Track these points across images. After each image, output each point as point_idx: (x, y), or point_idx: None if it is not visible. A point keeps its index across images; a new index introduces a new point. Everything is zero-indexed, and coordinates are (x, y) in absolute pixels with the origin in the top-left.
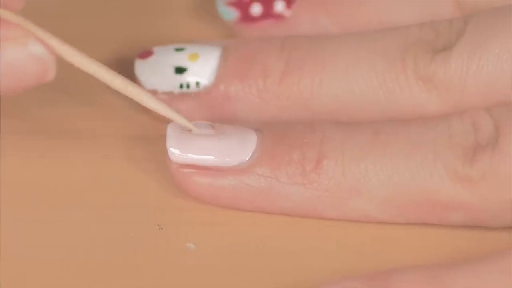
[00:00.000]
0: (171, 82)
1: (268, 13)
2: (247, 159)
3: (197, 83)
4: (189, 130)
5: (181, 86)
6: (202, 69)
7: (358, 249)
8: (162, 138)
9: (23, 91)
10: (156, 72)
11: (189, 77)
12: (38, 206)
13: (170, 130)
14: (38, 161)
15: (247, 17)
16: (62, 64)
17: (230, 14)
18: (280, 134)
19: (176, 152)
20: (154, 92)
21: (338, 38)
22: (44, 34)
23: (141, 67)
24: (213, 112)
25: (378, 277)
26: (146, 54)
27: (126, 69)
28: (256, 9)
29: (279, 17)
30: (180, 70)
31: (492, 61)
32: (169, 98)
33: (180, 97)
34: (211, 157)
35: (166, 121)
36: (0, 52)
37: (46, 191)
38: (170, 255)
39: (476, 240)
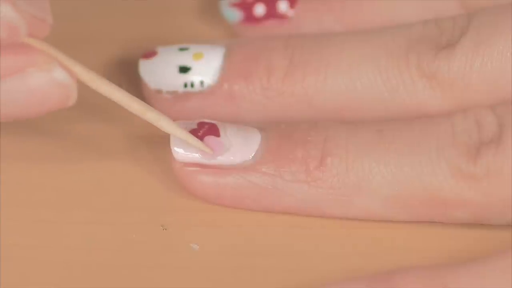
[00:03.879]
0: (176, 82)
1: (271, 13)
2: (251, 157)
3: (201, 82)
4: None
5: (185, 85)
6: (206, 68)
7: (361, 249)
8: (166, 138)
9: (45, 114)
10: (160, 71)
11: (193, 76)
12: (41, 208)
13: None
14: (42, 162)
15: (250, 18)
16: None
17: (234, 15)
18: (284, 132)
19: (180, 151)
20: (158, 92)
21: (341, 36)
22: (68, 60)
23: (146, 67)
24: (217, 111)
25: (381, 278)
26: (150, 54)
27: (130, 69)
28: (259, 9)
29: (282, 17)
30: (184, 70)
31: (496, 58)
32: (174, 97)
33: (185, 96)
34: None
35: None
36: (26, 78)
37: (49, 192)
38: (174, 256)
39: (478, 240)
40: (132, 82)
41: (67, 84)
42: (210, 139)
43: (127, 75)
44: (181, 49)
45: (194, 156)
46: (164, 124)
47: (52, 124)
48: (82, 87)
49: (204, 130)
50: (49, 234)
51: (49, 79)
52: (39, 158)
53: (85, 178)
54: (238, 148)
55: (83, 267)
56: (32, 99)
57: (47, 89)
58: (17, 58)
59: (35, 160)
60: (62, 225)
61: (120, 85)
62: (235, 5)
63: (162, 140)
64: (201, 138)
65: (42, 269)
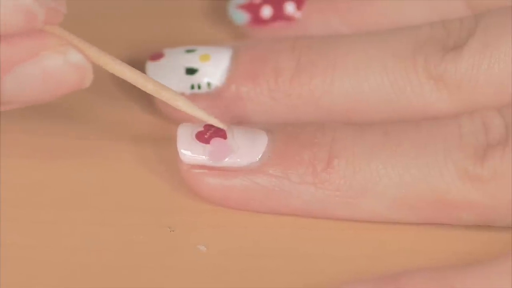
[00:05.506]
0: (183, 83)
1: (278, 15)
2: (257, 159)
3: (208, 84)
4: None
5: (192, 87)
6: (213, 70)
7: (368, 251)
8: (172, 139)
9: (61, 96)
10: (167, 73)
11: (200, 78)
12: (46, 208)
13: (180, 132)
14: (47, 163)
15: (257, 20)
16: None
17: (241, 17)
18: (291, 134)
19: (187, 153)
20: None
21: (349, 38)
22: (82, 43)
23: (153, 69)
24: (224, 112)
25: (388, 279)
26: (157, 56)
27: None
28: (266, 11)
29: (289, 19)
30: (191, 71)
31: (503, 60)
32: None
33: (192, 98)
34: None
35: (176, 122)
36: (41, 62)
37: (56, 193)
38: (181, 257)
39: (485, 242)
40: None
41: (82, 65)
42: (217, 141)
43: None
44: (188, 51)
45: (201, 158)
46: (180, 103)
47: (57, 125)
48: (90, 86)
49: (211, 132)
50: (53, 234)
51: (64, 61)
52: (45, 158)
53: (91, 179)
54: (245, 150)
55: (90, 268)
56: (48, 82)
57: (63, 71)
58: (33, 42)
59: (43, 161)
60: (66, 226)
61: (128, 86)
62: (242, 7)
63: (168, 142)
64: (208, 140)
65: (46, 269)
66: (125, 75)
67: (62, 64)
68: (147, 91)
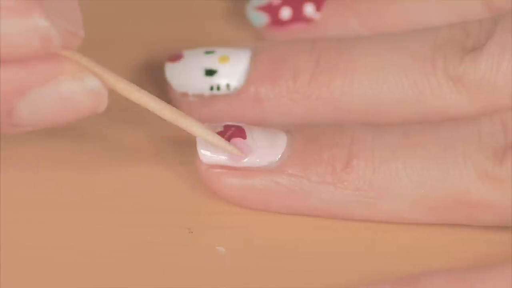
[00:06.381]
0: (202, 85)
1: (297, 16)
2: (277, 159)
3: (227, 85)
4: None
5: (212, 88)
6: (232, 71)
7: (387, 252)
8: (191, 140)
9: (75, 121)
10: (186, 75)
11: (219, 79)
12: (65, 210)
13: None
14: (65, 163)
15: (276, 22)
16: None
17: (260, 19)
18: (310, 135)
19: (207, 154)
20: (184, 95)
21: (368, 39)
22: (99, 68)
23: (171, 71)
24: (243, 113)
25: (407, 281)
26: (176, 57)
27: (156, 72)
28: (285, 13)
29: (308, 20)
30: (210, 73)
31: None
32: (200, 100)
33: (211, 99)
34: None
35: None
36: (58, 87)
37: (74, 194)
38: (200, 259)
39: (505, 242)
40: (158, 85)
41: (99, 91)
42: (236, 141)
43: (153, 78)
44: (207, 52)
45: (220, 158)
46: (197, 130)
47: (74, 125)
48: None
49: (231, 133)
50: (71, 236)
51: (81, 87)
52: (62, 158)
53: (110, 180)
54: (264, 150)
55: (106, 269)
56: (64, 107)
57: (79, 97)
58: (49, 67)
59: (62, 163)
60: (84, 227)
61: (146, 88)
62: (261, 8)
63: (187, 142)
64: (227, 141)
65: (64, 271)
66: (143, 101)
67: (79, 89)
68: (165, 118)
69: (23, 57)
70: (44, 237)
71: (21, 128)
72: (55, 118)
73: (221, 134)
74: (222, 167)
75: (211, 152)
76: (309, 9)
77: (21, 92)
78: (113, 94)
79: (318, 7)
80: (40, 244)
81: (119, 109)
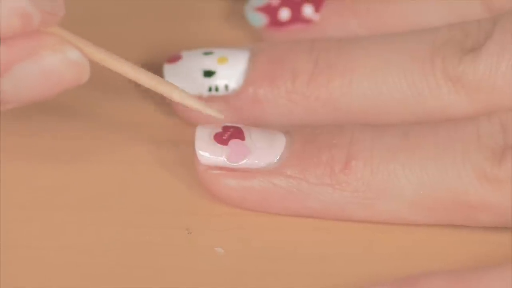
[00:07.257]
0: (200, 86)
1: (296, 17)
2: (275, 160)
3: (226, 86)
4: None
5: (210, 89)
6: (230, 72)
7: (386, 253)
8: (190, 141)
9: (60, 93)
10: (185, 76)
11: (218, 80)
12: (65, 210)
13: (198, 133)
14: (65, 164)
15: (275, 22)
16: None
17: (259, 20)
18: (309, 136)
19: (205, 155)
20: None
21: (367, 40)
22: (79, 40)
23: (170, 71)
24: (242, 114)
25: (406, 282)
26: (174, 58)
27: (155, 73)
28: (284, 14)
29: (307, 21)
30: (208, 74)
31: None
32: None
33: (209, 100)
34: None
35: (194, 124)
36: (40, 61)
37: (74, 194)
38: (199, 260)
39: (504, 243)
40: None
41: (80, 62)
42: (235, 142)
43: None
44: (206, 53)
45: (219, 159)
46: (177, 95)
47: (75, 127)
48: (110, 89)
49: (229, 134)
50: (70, 236)
51: (62, 59)
52: (62, 159)
53: (109, 181)
54: (263, 151)
55: (105, 269)
56: (48, 80)
57: (62, 69)
58: (30, 42)
59: (58, 161)
60: (83, 227)
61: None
62: (260, 9)
63: (186, 143)
64: (226, 142)
65: (62, 270)
66: (122, 69)
67: (61, 61)
68: (145, 85)
69: (4, 36)
70: (43, 237)
71: (7, 105)
72: (39, 92)
73: (219, 135)
74: (220, 168)
75: (210, 153)
76: (308, 10)
77: (5, 68)
78: (113, 96)
79: (317, 8)
80: (40, 244)
81: (118, 110)
